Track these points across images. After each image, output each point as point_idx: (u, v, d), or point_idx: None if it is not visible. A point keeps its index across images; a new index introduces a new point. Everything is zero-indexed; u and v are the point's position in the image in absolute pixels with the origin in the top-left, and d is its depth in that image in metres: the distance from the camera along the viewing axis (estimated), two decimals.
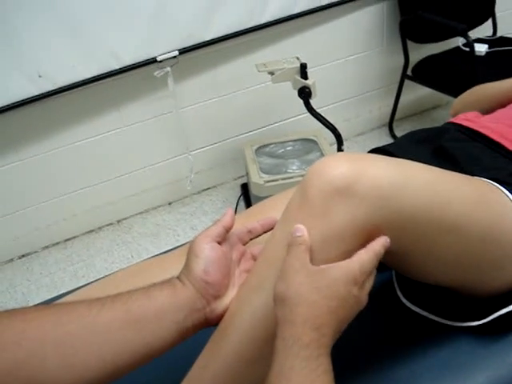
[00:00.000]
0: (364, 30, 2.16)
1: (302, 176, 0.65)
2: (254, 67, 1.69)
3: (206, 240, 0.67)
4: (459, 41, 2.13)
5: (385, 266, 0.74)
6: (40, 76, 1.63)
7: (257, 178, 1.78)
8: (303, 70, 1.66)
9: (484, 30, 2.26)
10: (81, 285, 0.98)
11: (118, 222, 2.13)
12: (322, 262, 0.59)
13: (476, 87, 1.16)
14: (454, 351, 0.77)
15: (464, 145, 0.92)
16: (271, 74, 1.68)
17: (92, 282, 0.91)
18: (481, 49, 2.07)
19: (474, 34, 2.10)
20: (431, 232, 0.65)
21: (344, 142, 1.81)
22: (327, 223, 0.60)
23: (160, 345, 0.60)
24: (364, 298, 0.59)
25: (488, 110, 1.06)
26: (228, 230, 0.70)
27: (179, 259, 0.81)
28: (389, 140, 2.35)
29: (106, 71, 1.71)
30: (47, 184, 1.92)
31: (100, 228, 2.11)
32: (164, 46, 1.75)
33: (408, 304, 0.83)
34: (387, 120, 2.43)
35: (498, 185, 0.75)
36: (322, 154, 1.87)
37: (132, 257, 1.95)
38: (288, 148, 1.96)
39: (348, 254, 0.60)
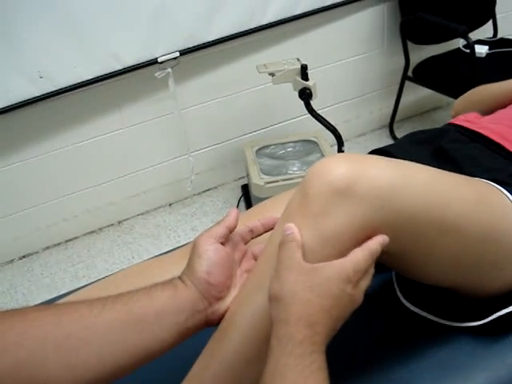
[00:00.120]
0: (364, 32, 2.16)
1: (303, 177, 0.65)
2: (255, 68, 1.69)
3: (209, 241, 0.67)
4: (460, 42, 2.14)
5: (385, 266, 0.74)
6: (41, 77, 1.63)
7: (257, 179, 1.79)
8: (304, 72, 1.66)
9: (484, 31, 2.26)
10: (81, 285, 0.98)
11: (119, 222, 2.14)
12: (321, 262, 0.59)
13: (477, 88, 1.16)
14: (454, 351, 0.77)
15: (464, 146, 0.92)
16: (272, 75, 1.68)
17: (93, 283, 0.91)
18: (481, 50, 2.07)
19: (474, 35, 2.10)
20: (431, 233, 0.65)
21: (344, 143, 1.81)
22: (327, 223, 0.61)
23: (161, 345, 0.60)
24: (359, 296, 0.59)
25: (488, 111, 1.06)
26: (231, 230, 0.70)
27: (180, 260, 0.81)
28: (389, 141, 2.34)
29: (106, 72, 1.71)
30: (48, 185, 1.92)
31: (101, 229, 2.11)
32: (165, 47, 1.75)
33: (408, 304, 0.83)
34: (388, 121, 2.43)
35: (498, 186, 0.75)
36: (323, 155, 1.87)
37: (133, 257, 1.95)
38: (288, 149, 1.96)
39: (347, 254, 0.60)
